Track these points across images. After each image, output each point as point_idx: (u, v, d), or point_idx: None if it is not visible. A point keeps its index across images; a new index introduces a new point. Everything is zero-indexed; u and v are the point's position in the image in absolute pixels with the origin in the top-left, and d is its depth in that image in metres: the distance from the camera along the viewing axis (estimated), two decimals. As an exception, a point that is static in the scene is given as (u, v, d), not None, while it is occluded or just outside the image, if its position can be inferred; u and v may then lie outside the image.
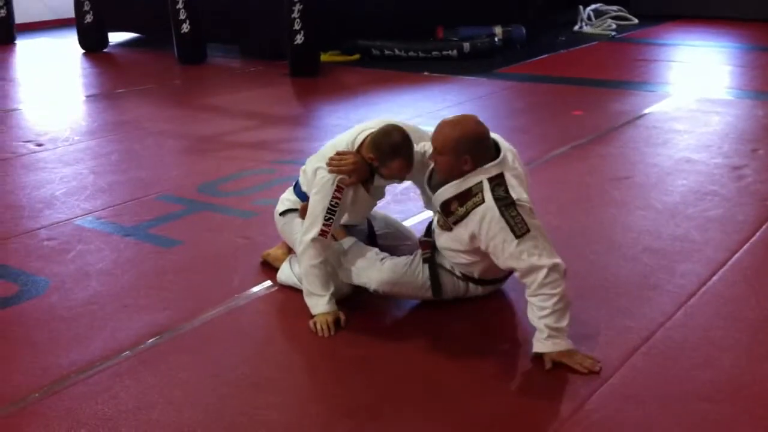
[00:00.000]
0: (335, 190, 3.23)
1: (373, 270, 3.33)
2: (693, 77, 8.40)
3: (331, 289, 3.29)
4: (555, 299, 2.95)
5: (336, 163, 3.25)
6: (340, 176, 3.24)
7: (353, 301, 3.44)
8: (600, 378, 2.90)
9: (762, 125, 6.36)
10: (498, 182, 3.03)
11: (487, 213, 2.99)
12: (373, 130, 3.29)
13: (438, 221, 3.26)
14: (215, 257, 3.98)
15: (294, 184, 3.64)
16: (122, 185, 5.10)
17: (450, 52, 9.46)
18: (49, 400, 2.81)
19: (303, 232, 3.29)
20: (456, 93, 7.85)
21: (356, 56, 9.65)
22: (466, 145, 3.02)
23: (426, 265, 3.32)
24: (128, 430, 2.63)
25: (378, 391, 2.88)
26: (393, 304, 3.48)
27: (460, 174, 3.07)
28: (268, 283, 3.68)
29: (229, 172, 5.35)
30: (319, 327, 3.22)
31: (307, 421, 2.69)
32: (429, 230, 3.39)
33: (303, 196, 3.48)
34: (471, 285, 3.37)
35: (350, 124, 6.59)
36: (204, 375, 2.96)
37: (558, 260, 2.98)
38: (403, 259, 3.38)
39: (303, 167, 3.54)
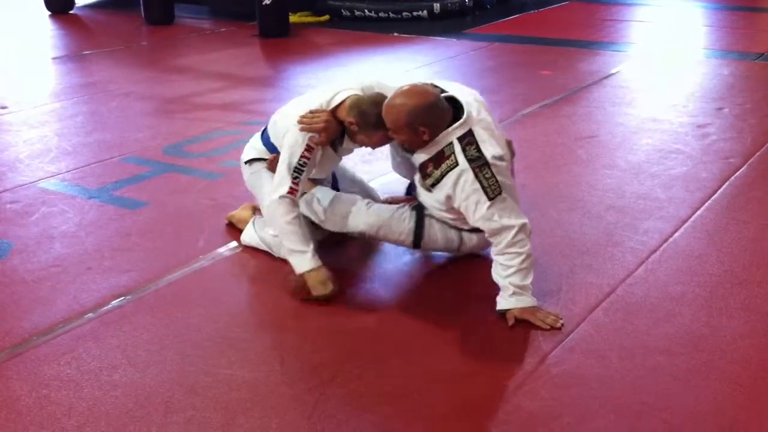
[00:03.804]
0: (305, 149, 3.18)
1: (360, 214, 3.29)
2: (661, 37, 8.42)
3: (312, 244, 3.22)
4: (521, 258, 2.98)
5: (307, 121, 3.18)
6: (310, 134, 3.18)
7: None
8: (562, 333, 2.94)
9: (727, 84, 6.40)
10: (468, 140, 3.01)
11: (461, 175, 2.98)
12: (353, 92, 3.20)
13: (419, 182, 3.23)
14: (180, 218, 3.97)
15: (262, 131, 3.56)
16: (87, 147, 5.05)
17: (420, 12, 9.40)
18: (11, 363, 2.81)
19: (272, 190, 3.24)
20: (425, 54, 7.81)
21: (326, 17, 9.56)
22: (418, 118, 2.98)
23: (414, 212, 3.29)
24: (91, 391, 2.63)
25: (341, 349, 2.90)
26: (359, 262, 3.49)
27: (423, 143, 3.05)
28: (234, 244, 3.67)
29: (196, 133, 5.31)
30: (311, 284, 3.16)
31: (271, 378, 2.71)
32: (409, 190, 3.37)
33: (271, 147, 3.43)
34: (465, 234, 3.32)
35: (319, 84, 6.60)
36: (168, 336, 2.96)
37: (525, 220, 3.02)
38: (390, 206, 3.36)
39: (273, 117, 3.47)
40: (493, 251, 3.05)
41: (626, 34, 8.72)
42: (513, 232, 2.97)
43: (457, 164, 3.00)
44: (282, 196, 3.18)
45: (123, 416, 2.51)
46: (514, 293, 3.00)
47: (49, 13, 10.16)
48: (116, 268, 3.46)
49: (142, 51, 8.30)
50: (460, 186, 2.99)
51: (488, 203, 2.96)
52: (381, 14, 9.45)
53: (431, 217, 3.28)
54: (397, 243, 3.37)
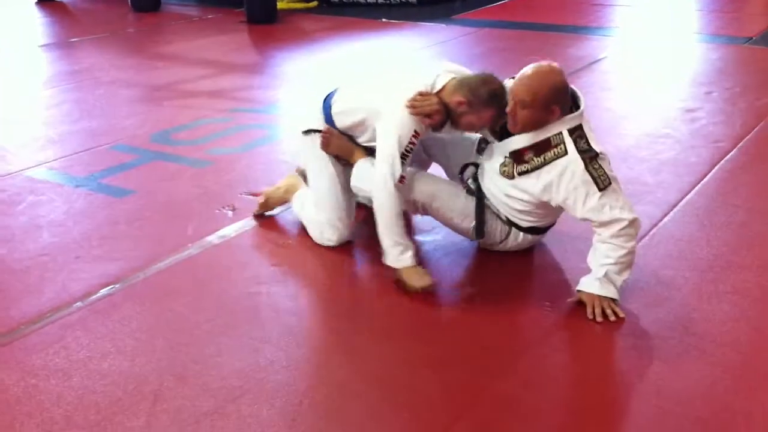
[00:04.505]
0: (413, 135, 3.09)
1: (416, 182, 3.21)
2: (649, 21, 8.42)
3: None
4: (623, 252, 2.94)
5: (419, 104, 3.08)
6: (420, 118, 3.08)
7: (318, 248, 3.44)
8: (551, 319, 2.94)
9: (716, 68, 6.41)
10: (578, 134, 2.98)
11: (569, 165, 2.95)
12: (453, 75, 3.14)
13: (501, 167, 3.14)
14: (169, 206, 3.94)
15: (325, 98, 3.40)
16: (74, 135, 5.01)
17: (409, -2, 9.38)
18: (0, 351, 2.79)
19: (381, 177, 3.09)
20: (414, 39, 7.80)
21: (314, 3, 9.53)
22: (557, 95, 2.95)
23: (472, 197, 3.22)
24: (79, 380, 2.62)
25: (330, 337, 2.90)
26: (344, 251, 3.48)
27: (542, 125, 3.00)
28: (223, 231, 3.65)
29: (183, 121, 5.28)
30: (409, 276, 3.11)
31: (260, 366, 2.69)
32: (462, 176, 3.33)
33: (329, 119, 3.34)
34: (513, 232, 3.27)
35: (308, 71, 6.57)
36: (157, 324, 2.94)
37: (637, 216, 2.98)
38: (446, 179, 3.32)
39: (348, 91, 3.36)
40: (597, 238, 3.01)
41: (614, 19, 8.73)
42: (623, 224, 2.93)
43: (566, 153, 2.96)
44: (396, 185, 3.08)
45: (112, 405, 2.50)
46: (601, 279, 2.94)
47: (36, 0, 10.08)
48: (104, 256, 3.44)
49: (128, 38, 8.25)
50: (568, 176, 2.95)
51: (599, 194, 2.93)
52: (369, 0, 9.41)
53: (487, 207, 3.24)
54: (451, 223, 3.28)
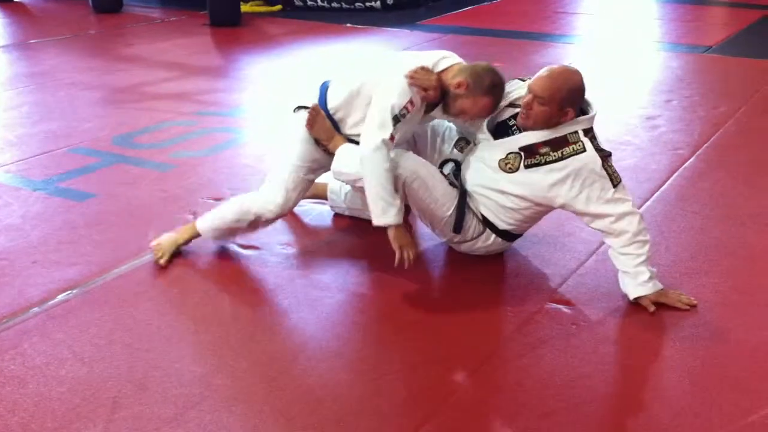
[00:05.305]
0: (408, 101, 3.07)
1: (400, 157, 3.14)
2: (611, 29, 8.51)
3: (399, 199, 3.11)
4: (648, 246, 3.05)
5: (420, 77, 3.09)
6: (417, 90, 3.08)
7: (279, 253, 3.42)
8: (514, 326, 2.95)
9: (676, 76, 6.49)
10: (592, 135, 3.10)
11: (589, 162, 3.03)
12: (456, 61, 3.18)
13: (502, 162, 3.14)
14: (130, 210, 3.90)
15: (321, 88, 3.34)
16: (33, 138, 4.95)
17: (373, 3, 9.38)
18: (-46, 358, 2.74)
19: (371, 133, 3.05)
20: (379, 45, 7.80)
21: (278, 7, 9.51)
22: (574, 96, 3.06)
23: (451, 187, 3.23)
24: (36, 387, 2.58)
25: (294, 340, 2.88)
26: (319, 250, 3.47)
27: (552, 124, 3.07)
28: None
29: (146, 124, 5.23)
30: (405, 255, 3.09)
31: (221, 371, 2.68)
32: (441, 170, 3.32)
33: (323, 99, 3.28)
34: (486, 233, 3.28)
35: (272, 74, 6.55)
36: (115, 330, 2.91)
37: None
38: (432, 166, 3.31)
39: (350, 76, 3.29)
40: (620, 243, 3.04)
41: (578, 26, 8.80)
42: (638, 218, 3.03)
43: (585, 150, 3.04)
44: (385, 140, 3.04)
45: (69, 413, 2.46)
46: (650, 278, 3.03)
47: (-6, 1, 9.96)
48: (63, 261, 3.40)
49: (90, 40, 8.16)
50: (586, 172, 3.03)
51: (613, 189, 3.03)
52: (334, 4, 9.41)
53: (467, 204, 3.24)
54: (426, 210, 3.21)
